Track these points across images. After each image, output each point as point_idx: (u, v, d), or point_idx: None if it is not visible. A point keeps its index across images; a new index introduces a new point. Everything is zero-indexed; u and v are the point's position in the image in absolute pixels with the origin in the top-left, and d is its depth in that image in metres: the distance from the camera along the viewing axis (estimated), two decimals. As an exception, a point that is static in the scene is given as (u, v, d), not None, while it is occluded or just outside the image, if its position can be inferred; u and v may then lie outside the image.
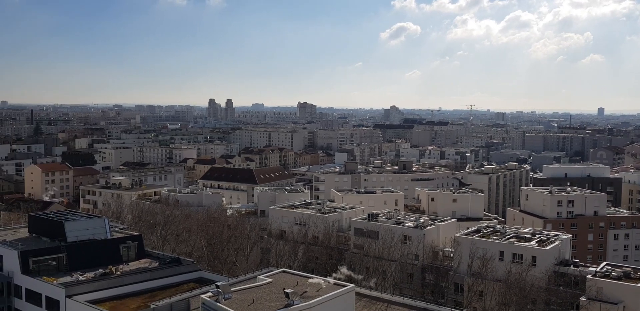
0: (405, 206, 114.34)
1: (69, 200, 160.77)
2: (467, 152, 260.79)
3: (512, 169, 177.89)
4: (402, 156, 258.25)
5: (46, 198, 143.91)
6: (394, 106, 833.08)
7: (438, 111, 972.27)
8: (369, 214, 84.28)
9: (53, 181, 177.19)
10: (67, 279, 53.45)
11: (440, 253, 77.44)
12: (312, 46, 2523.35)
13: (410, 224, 79.91)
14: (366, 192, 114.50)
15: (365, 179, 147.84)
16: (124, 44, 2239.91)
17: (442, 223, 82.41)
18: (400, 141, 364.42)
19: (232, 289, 43.75)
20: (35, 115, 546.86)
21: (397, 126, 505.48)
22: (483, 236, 74.02)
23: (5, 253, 57.07)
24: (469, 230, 77.19)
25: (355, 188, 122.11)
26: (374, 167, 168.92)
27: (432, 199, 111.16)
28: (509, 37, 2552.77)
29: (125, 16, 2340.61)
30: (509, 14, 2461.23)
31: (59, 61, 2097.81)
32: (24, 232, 65.45)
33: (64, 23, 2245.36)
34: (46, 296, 52.49)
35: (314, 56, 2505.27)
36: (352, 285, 46.65)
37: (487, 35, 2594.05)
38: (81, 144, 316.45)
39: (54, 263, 56.56)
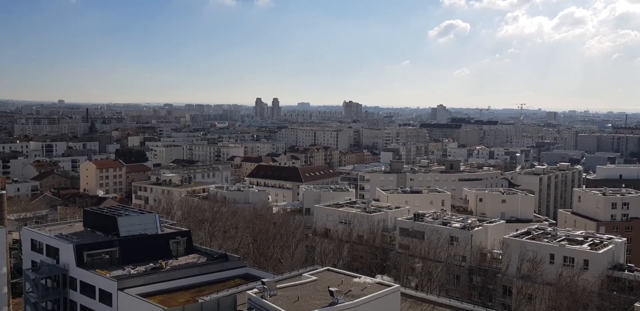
0: (452, 206, 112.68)
1: (121, 196, 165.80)
2: (517, 153, 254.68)
3: (564, 170, 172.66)
4: (450, 155, 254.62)
5: (100, 194, 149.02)
6: (442, 105, 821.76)
7: (487, 109, 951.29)
8: (414, 214, 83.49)
9: (107, 177, 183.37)
10: (119, 272, 55.16)
11: (488, 254, 75.99)
12: (359, 45, 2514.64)
13: (458, 225, 78.75)
14: (412, 192, 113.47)
15: (411, 179, 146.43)
16: (175, 44, 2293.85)
17: (491, 225, 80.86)
18: (447, 140, 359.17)
19: (277, 286, 44.23)
20: (90, 113, 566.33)
21: (445, 125, 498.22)
22: (533, 239, 72.22)
23: (61, 246, 59.41)
24: (519, 232, 75.45)
25: (401, 188, 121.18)
26: (420, 166, 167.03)
27: (480, 200, 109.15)
28: (562, 34, 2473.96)
29: (177, 17, 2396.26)
30: (562, 11, 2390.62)
31: (113, 60, 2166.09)
32: (79, 226, 67.93)
33: (118, 23, 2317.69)
34: (99, 289, 54.32)
35: (360, 54, 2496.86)
36: (397, 285, 46.40)
37: (539, 32, 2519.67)
38: (133, 141, 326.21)
39: (107, 256, 58.44)
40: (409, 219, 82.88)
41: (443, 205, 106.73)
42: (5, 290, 69.92)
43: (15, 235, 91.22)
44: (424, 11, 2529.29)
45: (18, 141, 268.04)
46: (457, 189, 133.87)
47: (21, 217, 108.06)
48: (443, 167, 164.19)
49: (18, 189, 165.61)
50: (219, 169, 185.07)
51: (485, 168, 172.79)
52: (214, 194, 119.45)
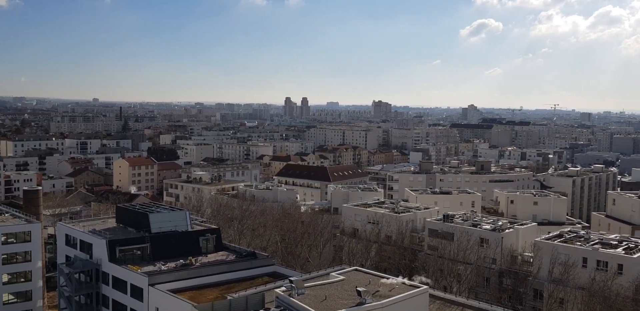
0: (483, 208, 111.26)
1: (153, 193, 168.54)
2: (549, 154, 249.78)
3: (598, 172, 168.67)
4: (480, 156, 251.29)
5: (133, 191, 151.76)
6: (473, 105, 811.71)
7: (519, 110, 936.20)
8: (444, 215, 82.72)
9: (139, 174, 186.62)
10: (150, 268, 56.15)
11: (519, 257, 74.75)
12: (389, 44, 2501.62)
13: (488, 226, 77.75)
14: (441, 192, 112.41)
15: (440, 180, 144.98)
16: (206, 44, 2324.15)
17: (522, 227, 79.58)
18: (478, 141, 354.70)
19: (305, 285, 44.38)
20: (123, 112, 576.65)
21: (476, 126, 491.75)
22: (565, 242, 70.79)
23: (94, 241, 60.75)
24: (551, 235, 74.04)
25: (430, 188, 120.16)
26: (450, 167, 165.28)
27: (512, 201, 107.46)
28: (597, 34, 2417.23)
29: (208, 17, 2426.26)
30: (597, 10, 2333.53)
31: (147, 60, 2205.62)
32: (112, 222, 69.35)
33: (152, 23, 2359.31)
34: (131, 284, 55.38)
35: (390, 54, 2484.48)
36: (425, 287, 46.07)
37: (573, 32, 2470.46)
38: (165, 140, 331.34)
39: (139, 252, 59.55)
40: (438, 220, 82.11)
41: (473, 207, 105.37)
42: (40, 283, 72.02)
43: (51, 230, 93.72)
44: (456, 10, 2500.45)
45: (54, 139, 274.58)
46: (488, 191, 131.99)
47: (56, 212, 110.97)
48: (473, 168, 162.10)
49: (53, 186, 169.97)
50: (248, 167, 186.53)
51: (517, 170, 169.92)
52: (243, 193, 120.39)
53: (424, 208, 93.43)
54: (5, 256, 68.38)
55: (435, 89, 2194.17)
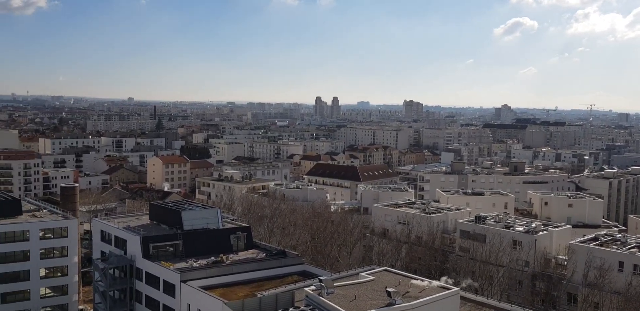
0: (516, 209, 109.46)
1: (185, 191, 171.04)
2: (585, 155, 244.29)
3: (635, 174, 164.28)
4: (514, 157, 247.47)
5: (166, 188, 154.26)
6: (506, 105, 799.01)
7: (554, 110, 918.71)
8: (476, 217, 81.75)
9: (172, 172, 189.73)
10: (182, 265, 56.97)
11: (553, 260, 73.39)
12: (421, 43, 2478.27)
13: (521, 229, 76.50)
14: (473, 193, 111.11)
15: (472, 181, 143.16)
16: (238, 44, 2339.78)
17: (556, 229, 78.05)
18: (511, 141, 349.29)
19: (334, 284, 44.41)
20: (157, 111, 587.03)
21: (509, 126, 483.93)
22: (601, 245, 69.14)
23: (129, 238, 61.97)
24: (586, 238, 72.43)
25: (462, 189, 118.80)
26: (482, 168, 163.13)
27: (546, 203, 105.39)
28: (636, 32, 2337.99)
29: (241, 17, 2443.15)
30: (637, 8, 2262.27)
31: (180, 60, 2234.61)
32: (145, 219, 70.61)
33: (185, 24, 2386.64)
34: (163, 280, 56.28)
35: (422, 53, 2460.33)
36: (456, 289, 45.60)
37: (611, 30, 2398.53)
38: (197, 138, 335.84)
39: (171, 249, 60.48)
40: (470, 222, 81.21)
41: (506, 208, 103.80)
42: (76, 278, 73.86)
43: (86, 226, 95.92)
44: (489, 9, 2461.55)
45: (90, 137, 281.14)
46: (521, 192, 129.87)
47: (92, 209, 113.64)
48: (507, 169, 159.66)
49: (89, 183, 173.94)
50: (278, 166, 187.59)
51: (552, 171, 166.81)
52: (274, 192, 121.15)
53: (456, 209, 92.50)
54: (43, 251, 70.26)
55: (467, 89, 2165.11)
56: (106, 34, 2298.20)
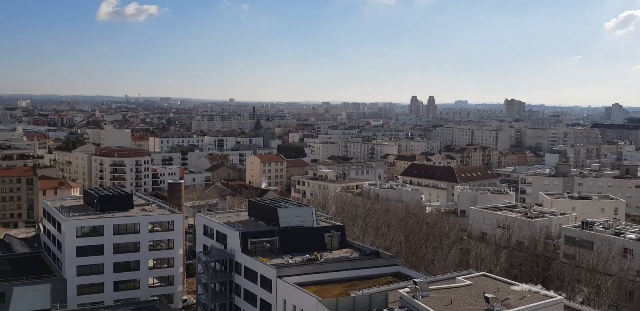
0: (627, 215, 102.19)
1: (282, 189, 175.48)
2: None
3: None
4: (626, 159, 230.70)
5: (263, 186, 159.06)
6: (617, 104, 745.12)
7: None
8: (583, 222, 77.28)
9: (269, 170, 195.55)
10: (278, 261, 58.53)
11: (670, 272, 67.56)
12: (523, 40, 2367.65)
13: (633, 236, 71.31)
14: (580, 198, 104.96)
15: (579, 184, 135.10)
16: (334, 44, 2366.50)
17: (674, 238, 71.72)
18: (623, 142, 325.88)
19: (429, 287, 43.68)
20: (256, 111, 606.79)
21: (620, 126, 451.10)
22: None
23: (229, 233, 64.60)
24: None
25: (568, 193, 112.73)
26: (590, 170, 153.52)
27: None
28: None
29: (337, 17, 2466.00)
30: None
31: (278, 62, 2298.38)
32: (244, 215, 73.29)
33: (284, 26, 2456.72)
34: (261, 275, 58.09)
35: (525, 49, 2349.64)
36: (560, 297, 43.34)
37: None
38: (293, 138, 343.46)
39: (268, 245, 62.30)
40: (576, 227, 76.94)
41: (616, 214, 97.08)
42: (180, 269, 78.11)
43: (191, 220, 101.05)
44: (600, 2, 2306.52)
45: (195, 136, 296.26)
46: (634, 197, 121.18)
47: (196, 204, 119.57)
48: (617, 172, 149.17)
49: (194, 179, 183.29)
50: (372, 166, 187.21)
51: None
52: (368, 191, 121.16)
53: (560, 214, 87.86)
54: (151, 243, 74.92)
55: (574, 87, 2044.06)
56: (211, 38, 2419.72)
